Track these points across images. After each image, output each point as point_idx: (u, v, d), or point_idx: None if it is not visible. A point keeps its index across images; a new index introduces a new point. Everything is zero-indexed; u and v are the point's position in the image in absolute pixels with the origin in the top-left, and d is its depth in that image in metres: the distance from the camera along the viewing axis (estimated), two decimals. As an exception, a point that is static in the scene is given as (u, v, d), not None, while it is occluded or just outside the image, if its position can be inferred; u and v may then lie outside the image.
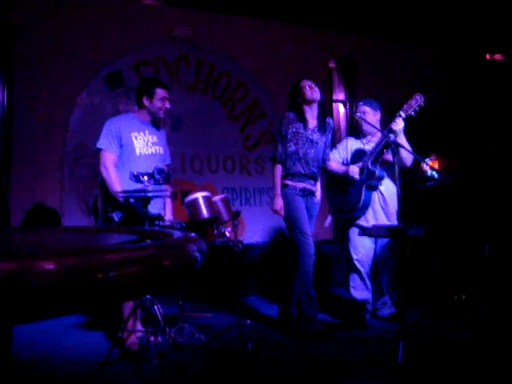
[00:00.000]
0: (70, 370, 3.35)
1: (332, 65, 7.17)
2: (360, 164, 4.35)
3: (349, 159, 4.54)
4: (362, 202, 4.32)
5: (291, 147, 4.22)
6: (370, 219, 4.43)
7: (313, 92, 4.27)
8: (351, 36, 7.23)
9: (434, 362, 3.41)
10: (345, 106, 5.06)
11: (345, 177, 4.39)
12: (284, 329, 4.24)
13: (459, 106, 7.64)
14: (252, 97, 6.81)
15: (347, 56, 7.15)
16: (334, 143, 4.78)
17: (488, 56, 8.15)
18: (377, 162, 4.34)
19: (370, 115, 4.49)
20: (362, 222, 4.45)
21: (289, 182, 4.25)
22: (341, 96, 7.05)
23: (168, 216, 4.08)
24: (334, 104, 7.01)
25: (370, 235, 3.95)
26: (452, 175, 4.75)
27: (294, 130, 4.21)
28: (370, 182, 4.32)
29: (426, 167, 6.45)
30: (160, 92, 3.89)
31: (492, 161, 5.84)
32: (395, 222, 4.29)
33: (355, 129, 4.88)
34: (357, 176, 4.33)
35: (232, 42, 6.61)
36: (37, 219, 5.14)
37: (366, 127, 4.51)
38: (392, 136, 4.09)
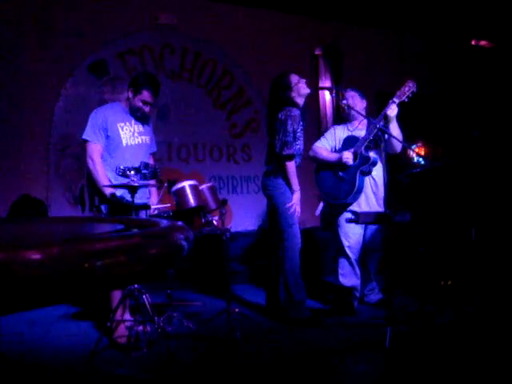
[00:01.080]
0: (58, 360, 3.36)
1: (318, 52, 7.16)
2: (353, 150, 4.36)
3: (338, 147, 4.55)
4: (356, 187, 4.34)
5: (298, 145, 4.20)
6: (362, 204, 4.44)
7: (306, 87, 4.28)
8: (336, 23, 7.22)
9: (421, 346, 3.45)
10: (331, 93, 5.04)
11: (337, 164, 4.39)
12: (272, 315, 4.27)
13: (445, 93, 7.67)
14: (238, 85, 6.79)
15: (333, 43, 7.14)
16: (320, 131, 4.78)
17: (474, 42, 8.17)
18: (370, 148, 4.36)
19: (358, 100, 4.54)
20: (354, 207, 4.45)
21: None
22: (327, 83, 7.05)
23: (153, 201, 4.09)
24: (320, 91, 7.01)
25: (357, 222, 3.97)
26: (438, 161, 4.78)
27: (301, 127, 4.20)
28: (364, 168, 4.34)
29: (412, 154, 6.49)
30: (145, 95, 3.82)
31: (478, 148, 5.87)
32: (382, 208, 4.34)
33: (341, 116, 4.86)
34: (351, 162, 4.34)
35: (217, 29, 6.57)
36: (23, 210, 5.11)
37: (353, 112, 4.50)
38: (381, 123, 4.13)
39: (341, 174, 4.41)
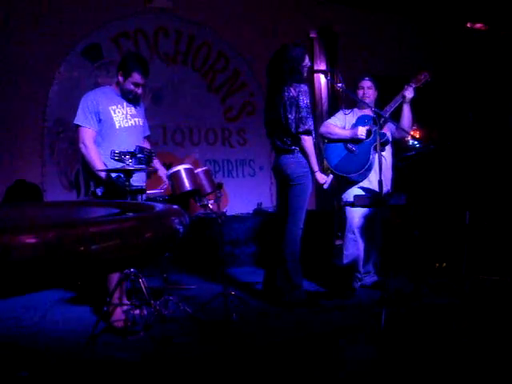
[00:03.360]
0: (56, 344, 3.37)
1: (313, 35, 7.12)
2: (367, 127, 4.45)
3: (348, 127, 4.61)
4: (369, 163, 4.41)
5: (312, 120, 4.16)
6: (373, 182, 4.43)
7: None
8: (332, 5, 7.17)
9: (416, 327, 3.48)
10: (326, 76, 5.04)
11: (351, 139, 4.48)
12: (269, 298, 4.28)
13: (441, 76, 7.64)
14: (232, 68, 6.75)
15: (328, 26, 7.09)
16: (316, 114, 4.77)
17: (469, 25, 8.13)
18: (382, 127, 4.42)
19: (373, 90, 4.64)
20: (365, 183, 4.50)
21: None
22: (322, 66, 7.02)
23: (162, 171, 4.07)
24: (315, 75, 6.98)
25: (353, 206, 3.97)
26: (433, 144, 4.80)
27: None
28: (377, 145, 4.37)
29: (407, 137, 6.49)
30: (135, 77, 3.77)
31: (472, 131, 5.88)
32: (389, 188, 4.50)
33: (336, 99, 4.86)
34: (364, 136, 4.42)
35: (211, 12, 6.52)
36: (18, 195, 5.10)
37: (356, 98, 4.55)
38: (389, 108, 4.39)
39: (353, 147, 4.48)
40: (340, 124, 4.66)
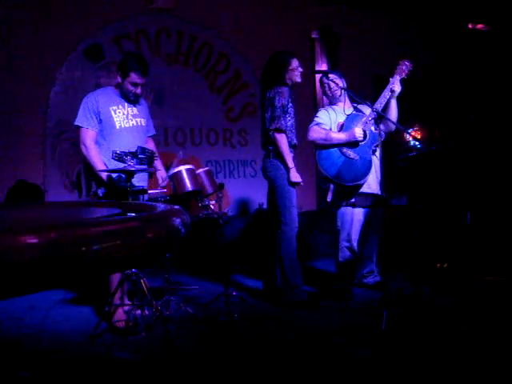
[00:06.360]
0: (58, 344, 3.37)
1: (314, 35, 7.12)
2: (362, 127, 4.26)
3: (334, 129, 4.45)
4: (372, 165, 4.28)
5: (290, 121, 4.19)
6: (372, 185, 4.35)
7: (300, 76, 4.29)
8: (334, 6, 7.18)
9: (417, 328, 3.47)
10: (327, 76, 5.02)
11: (347, 143, 4.25)
12: (269, 299, 4.28)
13: (442, 77, 7.65)
14: (234, 68, 6.76)
15: (329, 26, 7.10)
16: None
17: (471, 26, 8.13)
18: (375, 125, 4.35)
19: (339, 81, 4.46)
20: (365, 189, 4.29)
21: None
22: (323, 66, 7.03)
23: (161, 173, 4.06)
24: (316, 75, 6.98)
25: (354, 206, 3.94)
26: (435, 145, 4.78)
27: (291, 104, 4.19)
28: (374, 147, 4.32)
29: (408, 137, 6.48)
30: (133, 77, 3.77)
31: (474, 131, 5.88)
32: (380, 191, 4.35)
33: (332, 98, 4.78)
34: (362, 139, 4.24)
35: (213, 12, 6.53)
36: (20, 196, 5.11)
37: (339, 94, 4.48)
38: (379, 105, 4.25)
39: (351, 152, 4.25)
40: (327, 126, 4.42)
